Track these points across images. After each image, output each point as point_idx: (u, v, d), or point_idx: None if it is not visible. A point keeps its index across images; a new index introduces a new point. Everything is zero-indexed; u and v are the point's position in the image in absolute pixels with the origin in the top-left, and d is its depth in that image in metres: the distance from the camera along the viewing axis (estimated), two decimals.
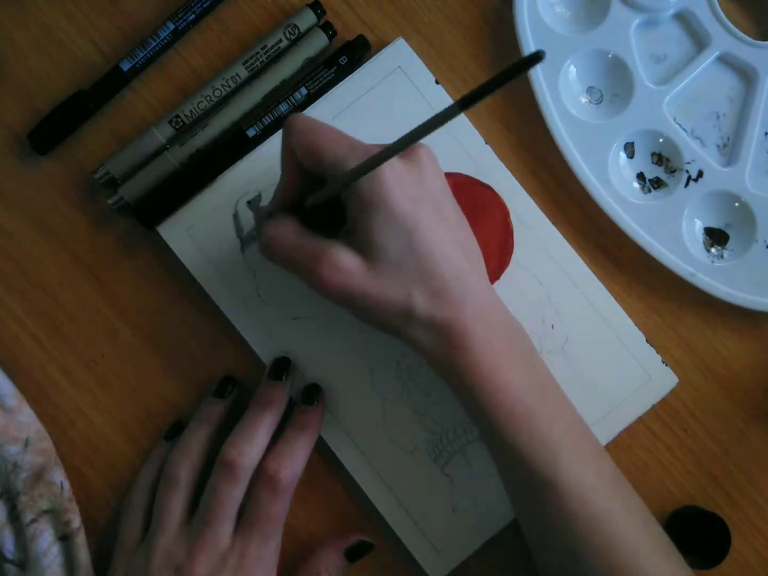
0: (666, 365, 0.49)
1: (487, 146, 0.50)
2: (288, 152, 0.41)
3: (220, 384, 0.49)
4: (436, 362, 0.41)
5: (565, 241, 0.50)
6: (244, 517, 0.45)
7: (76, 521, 0.47)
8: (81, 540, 0.47)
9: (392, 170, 0.38)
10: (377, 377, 0.49)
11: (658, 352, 0.49)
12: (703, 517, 0.48)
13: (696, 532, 0.46)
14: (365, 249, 0.39)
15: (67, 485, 0.48)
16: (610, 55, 0.50)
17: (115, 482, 0.50)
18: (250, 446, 0.46)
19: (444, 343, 0.40)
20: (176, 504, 0.46)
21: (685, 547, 0.44)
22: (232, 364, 0.50)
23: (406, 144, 0.34)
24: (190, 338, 0.50)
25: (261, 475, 0.46)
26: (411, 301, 0.39)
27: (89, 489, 0.49)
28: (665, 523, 0.49)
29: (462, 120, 0.50)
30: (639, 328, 0.49)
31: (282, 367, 0.48)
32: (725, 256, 0.50)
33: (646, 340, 0.49)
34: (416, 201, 0.39)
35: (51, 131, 0.49)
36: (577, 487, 0.40)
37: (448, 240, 0.40)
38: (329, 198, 0.40)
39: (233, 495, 0.45)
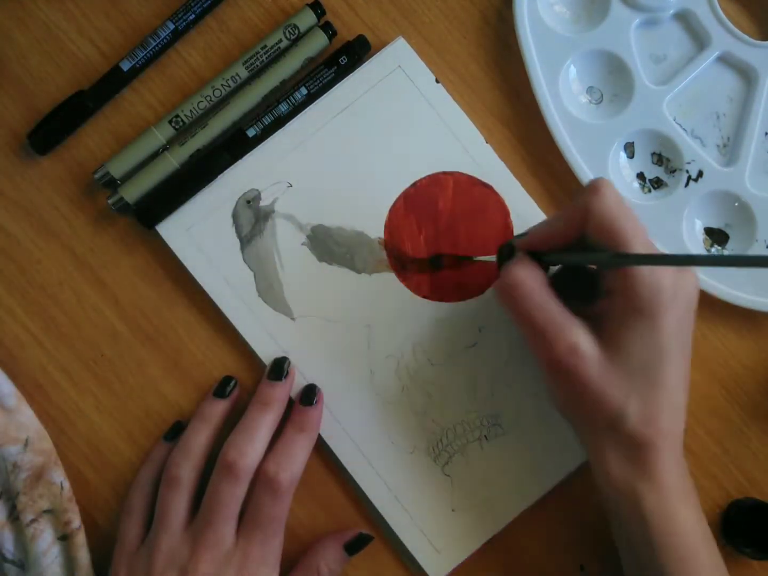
0: None
1: (488, 146, 0.50)
2: (582, 211, 0.40)
3: (220, 383, 0.49)
4: (615, 479, 0.41)
5: None
6: (246, 518, 0.46)
7: (76, 521, 0.47)
8: (81, 540, 0.47)
9: (672, 284, 0.38)
10: (377, 377, 0.49)
11: None
12: (760, 508, 0.49)
13: (753, 523, 0.47)
14: (608, 345, 0.39)
15: (67, 485, 0.48)
16: (611, 56, 0.50)
17: (115, 482, 0.50)
18: (251, 446, 0.46)
19: (633, 463, 0.40)
20: (178, 504, 0.46)
21: (743, 538, 0.45)
22: (232, 364, 0.50)
23: (715, 264, 0.32)
24: (189, 338, 0.50)
25: (261, 477, 0.46)
26: (626, 410, 0.39)
27: (89, 489, 0.49)
28: (723, 513, 0.49)
29: (462, 120, 0.50)
30: None
31: (282, 366, 0.48)
32: None
33: None
34: (677, 323, 0.39)
35: (51, 131, 0.49)
36: None
37: (682, 375, 0.40)
38: (587, 266, 0.40)
39: (235, 495, 0.45)
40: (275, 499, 0.45)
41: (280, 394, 0.48)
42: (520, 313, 0.40)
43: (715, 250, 0.50)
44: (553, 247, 0.41)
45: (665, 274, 0.39)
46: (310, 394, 0.48)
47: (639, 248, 0.38)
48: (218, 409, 0.48)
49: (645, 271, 0.38)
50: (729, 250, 0.50)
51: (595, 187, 0.40)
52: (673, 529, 0.40)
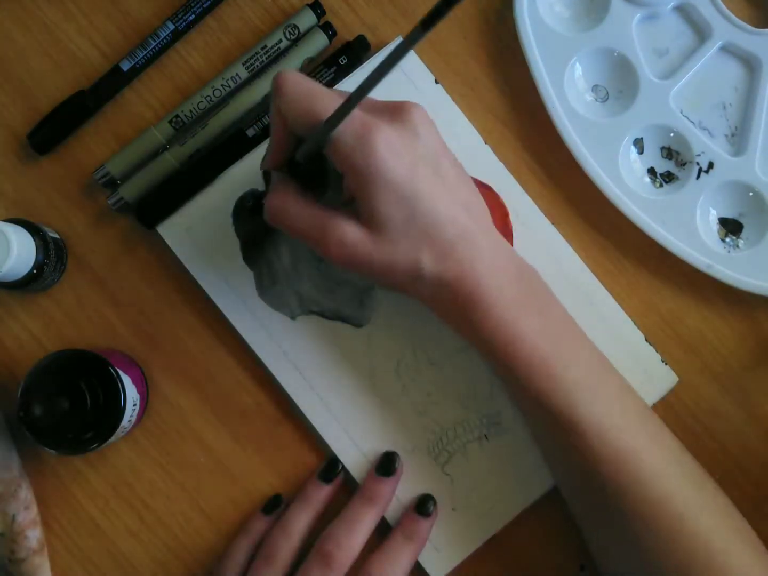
0: (666, 364, 0.49)
1: (487, 146, 0.50)
2: (278, 116, 0.39)
3: (326, 467, 0.48)
4: (450, 320, 0.42)
5: (564, 241, 0.50)
6: None
7: (21, 553, 0.48)
8: (26, 569, 0.48)
9: (384, 139, 0.38)
10: (377, 377, 0.49)
11: (657, 351, 0.49)
12: None
13: None
14: (368, 220, 0.39)
15: (20, 519, 0.48)
16: (615, 54, 0.50)
17: (118, 484, 0.50)
18: (350, 540, 0.45)
19: (455, 301, 0.40)
20: None
21: None
22: (232, 364, 0.50)
23: (372, 84, 0.33)
24: (189, 338, 0.50)
25: None
26: (419, 266, 0.39)
27: (90, 488, 0.50)
28: None
29: (461, 119, 0.50)
30: (639, 328, 0.49)
31: (392, 462, 0.48)
32: (740, 245, 0.50)
33: (646, 339, 0.49)
34: (413, 166, 0.38)
35: (51, 131, 0.49)
36: (599, 427, 0.41)
37: (449, 200, 0.39)
38: (314, 156, 0.39)
39: None
40: None
41: (386, 491, 0.47)
42: (290, 231, 0.40)
43: (729, 239, 0.50)
44: (290, 153, 0.41)
45: (365, 130, 0.37)
46: (426, 504, 0.48)
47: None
48: (322, 494, 0.47)
49: (346, 139, 0.37)
50: (744, 239, 0.50)
51: (277, 87, 0.39)
52: (507, 338, 0.40)
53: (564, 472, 0.45)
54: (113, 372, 0.44)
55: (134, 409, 0.46)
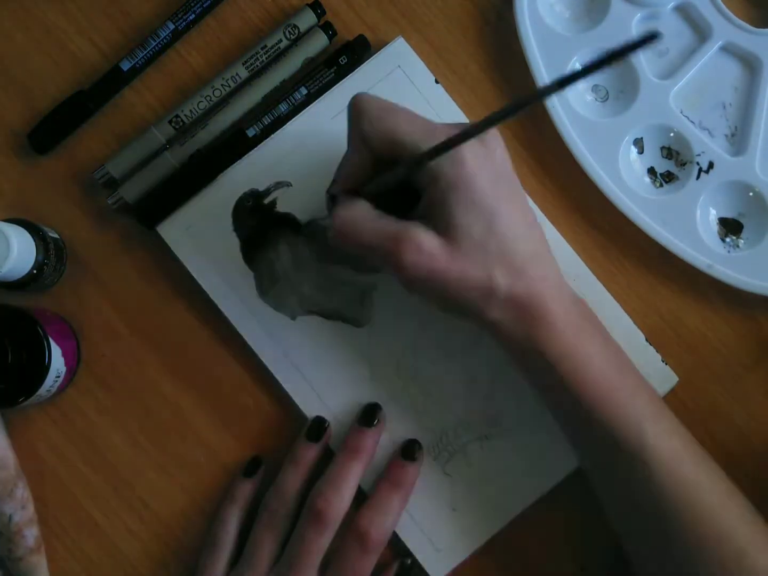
0: (666, 364, 0.49)
1: None
2: (358, 137, 0.40)
3: (313, 426, 0.48)
4: (515, 341, 0.41)
5: (564, 241, 0.49)
6: (331, 569, 0.45)
7: (18, 551, 0.48)
8: (24, 567, 0.48)
9: (472, 153, 0.39)
10: (377, 377, 0.49)
11: (657, 352, 0.49)
12: None
13: None
14: (447, 230, 0.39)
15: (16, 518, 0.48)
16: None
17: (118, 484, 0.50)
18: (339, 496, 0.46)
19: (524, 320, 0.40)
20: (270, 545, 0.46)
21: None
22: (232, 363, 0.50)
23: (490, 125, 0.34)
24: (189, 338, 0.50)
25: (351, 531, 0.45)
26: (493, 281, 0.39)
27: (90, 488, 0.50)
28: None
29: (461, 119, 0.50)
30: (639, 328, 0.49)
31: (373, 413, 0.48)
32: (740, 245, 0.50)
33: (645, 339, 0.49)
34: (495, 181, 0.39)
35: (51, 131, 0.49)
36: (665, 458, 0.41)
37: (524, 221, 0.40)
38: (400, 181, 0.39)
39: (320, 543, 0.45)
40: (364, 556, 0.45)
41: (369, 442, 0.47)
42: (360, 244, 0.40)
43: (729, 239, 0.50)
44: (363, 179, 0.41)
45: (461, 147, 0.38)
46: (411, 449, 0.48)
47: (420, 142, 0.38)
48: (311, 453, 0.48)
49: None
50: (744, 239, 0.50)
51: (356, 109, 0.39)
52: (576, 364, 0.40)
53: (624, 503, 0.44)
54: (41, 334, 0.44)
55: (56, 381, 0.46)
